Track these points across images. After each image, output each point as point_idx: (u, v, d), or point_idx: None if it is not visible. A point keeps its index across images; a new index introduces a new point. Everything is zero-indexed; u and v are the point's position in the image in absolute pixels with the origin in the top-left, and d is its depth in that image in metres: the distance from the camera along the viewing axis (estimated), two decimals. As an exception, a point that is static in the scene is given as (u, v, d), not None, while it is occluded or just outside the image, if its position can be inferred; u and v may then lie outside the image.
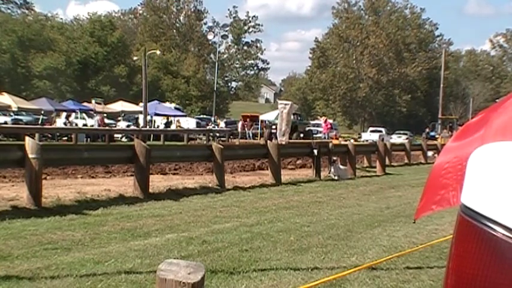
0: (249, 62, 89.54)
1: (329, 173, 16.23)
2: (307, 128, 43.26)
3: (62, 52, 60.32)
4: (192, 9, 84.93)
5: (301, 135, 37.06)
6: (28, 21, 62.48)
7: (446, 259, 1.09)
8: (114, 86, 63.23)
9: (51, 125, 34.03)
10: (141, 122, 40.55)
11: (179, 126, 41.79)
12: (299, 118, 41.06)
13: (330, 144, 17.97)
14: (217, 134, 38.99)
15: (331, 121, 50.50)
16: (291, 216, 8.94)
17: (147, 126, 38.02)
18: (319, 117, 53.66)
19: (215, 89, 68.56)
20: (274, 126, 36.11)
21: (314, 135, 40.05)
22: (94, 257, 5.65)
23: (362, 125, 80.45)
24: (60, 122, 36.82)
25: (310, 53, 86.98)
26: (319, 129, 41.45)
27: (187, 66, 76.22)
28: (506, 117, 1.41)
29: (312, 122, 48.97)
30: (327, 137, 35.46)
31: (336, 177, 15.80)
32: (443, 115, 61.50)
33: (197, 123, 45.13)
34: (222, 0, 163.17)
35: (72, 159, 10.66)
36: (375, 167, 20.06)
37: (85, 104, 45.65)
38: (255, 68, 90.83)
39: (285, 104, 17.22)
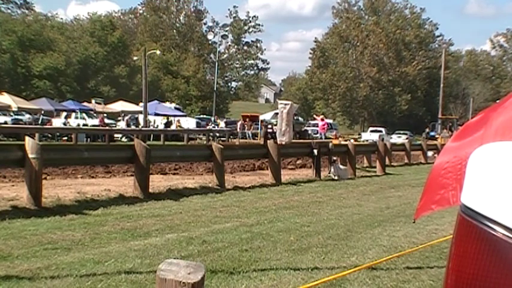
0: (249, 62, 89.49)
1: (329, 173, 16.23)
2: (303, 128, 43.24)
3: (62, 52, 60.32)
4: (192, 9, 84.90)
5: (298, 135, 36.98)
6: (28, 21, 62.45)
7: (446, 259, 1.09)
8: (114, 86, 63.24)
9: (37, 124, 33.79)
10: (141, 121, 40.56)
11: (179, 126, 41.80)
12: (295, 118, 40.96)
13: (330, 144, 17.97)
14: (217, 134, 38.99)
15: (330, 121, 50.32)
16: (291, 216, 8.94)
17: (148, 126, 38.02)
18: (315, 115, 53.18)
19: (215, 89, 68.55)
20: (270, 126, 36.43)
21: (314, 135, 39.96)
22: (94, 257, 5.65)
23: (362, 124, 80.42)
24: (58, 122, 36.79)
25: (310, 53, 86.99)
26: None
27: (187, 66, 76.18)
28: (506, 117, 1.41)
29: (313, 122, 48.80)
30: (323, 137, 34.98)
31: (336, 177, 15.80)
32: (443, 115, 61.49)
33: (197, 123, 45.13)
34: (222, 0, 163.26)
35: (72, 159, 10.67)
36: (375, 167, 20.06)
37: (85, 104, 45.71)
38: (255, 68, 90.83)
39: (285, 104, 17.15)
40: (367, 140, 42.72)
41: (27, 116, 36.97)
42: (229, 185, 12.71)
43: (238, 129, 41.94)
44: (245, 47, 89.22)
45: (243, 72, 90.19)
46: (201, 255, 5.96)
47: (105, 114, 41.25)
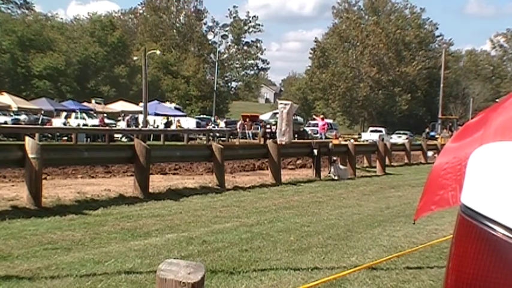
0: (249, 62, 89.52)
1: (329, 173, 16.23)
2: (301, 128, 43.22)
3: (62, 52, 60.29)
4: (192, 9, 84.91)
5: (296, 135, 36.98)
6: (28, 21, 62.43)
7: (446, 259, 1.09)
8: (114, 86, 63.22)
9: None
10: (140, 122, 40.56)
11: (179, 126, 41.81)
12: (293, 118, 40.92)
13: (330, 144, 17.97)
14: (217, 134, 38.99)
15: (330, 121, 50.29)
16: (291, 216, 8.94)
17: (146, 126, 38.01)
18: (314, 115, 53.10)
19: (215, 89, 68.55)
20: (268, 126, 36.56)
21: (314, 135, 39.93)
22: (94, 257, 5.65)
23: (362, 124, 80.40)
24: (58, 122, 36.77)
25: (310, 53, 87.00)
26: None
27: (187, 66, 76.17)
28: (506, 118, 1.41)
29: (312, 122, 48.78)
30: (323, 137, 34.94)
31: (336, 177, 15.80)
32: (443, 115, 61.50)
33: (197, 123, 45.13)
34: (222, 0, 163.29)
35: (72, 159, 10.67)
36: (375, 167, 20.06)
37: (85, 104, 45.71)
38: (255, 68, 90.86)
39: (285, 104, 17.14)
40: (367, 140, 42.69)
41: (23, 116, 36.76)
42: (229, 185, 12.71)
43: (238, 129, 41.97)
44: (245, 47, 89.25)
45: (243, 72, 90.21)
46: (201, 255, 5.96)
47: (105, 114, 41.24)
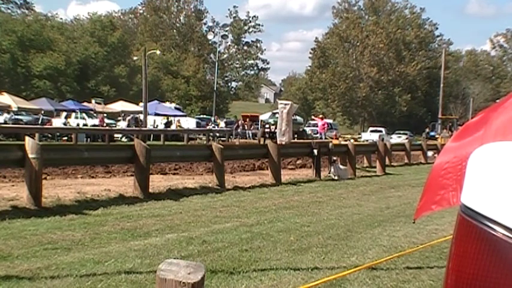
0: (249, 62, 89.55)
1: (329, 173, 16.23)
2: (301, 128, 43.26)
3: (62, 52, 60.25)
4: (192, 9, 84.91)
5: (295, 135, 36.97)
6: (28, 21, 62.34)
7: (446, 259, 1.09)
8: (114, 86, 63.18)
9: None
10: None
11: (179, 126, 41.79)
12: (292, 118, 40.92)
13: (330, 144, 17.96)
14: (217, 134, 38.99)
15: (330, 121, 50.27)
16: (291, 216, 8.94)
17: (145, 126, 37.99)
18: (313, 116, 53.07)
19: (215, 89, 68.55)
20: (267, 125, 36.70)
21: (314, 135, 39.92)
22: (94, 257, 5.65)
23: (362, 124, 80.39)
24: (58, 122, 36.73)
25: (311, 53, 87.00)
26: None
27: (187, 66, 76.15)
28: (506, 118, 1.41)
29: (312, 122, 48.74)
30: (323, 137, 34.91)
31: (336, 177, 15.80)
32: (443, 115, 61.50)
33: (197, 123, 45.13)
34: (222, 0, 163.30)
35: (72, 159, 10.67)
36: (375, 167, 20.05)
37: (85, 104, 45.70)
38: (255, 68, 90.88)
39: (285, 104, 17.16)
40: (367, 140, 42.69)
41: (4, 115, 36.48)
42: (229, 185, 12.71)
43: (239, 128, 42.03)
44: (245, 47, 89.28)
45: (243, 72, 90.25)
46: (201, 255, 5.96)
47: (105, 114, 41.23)
